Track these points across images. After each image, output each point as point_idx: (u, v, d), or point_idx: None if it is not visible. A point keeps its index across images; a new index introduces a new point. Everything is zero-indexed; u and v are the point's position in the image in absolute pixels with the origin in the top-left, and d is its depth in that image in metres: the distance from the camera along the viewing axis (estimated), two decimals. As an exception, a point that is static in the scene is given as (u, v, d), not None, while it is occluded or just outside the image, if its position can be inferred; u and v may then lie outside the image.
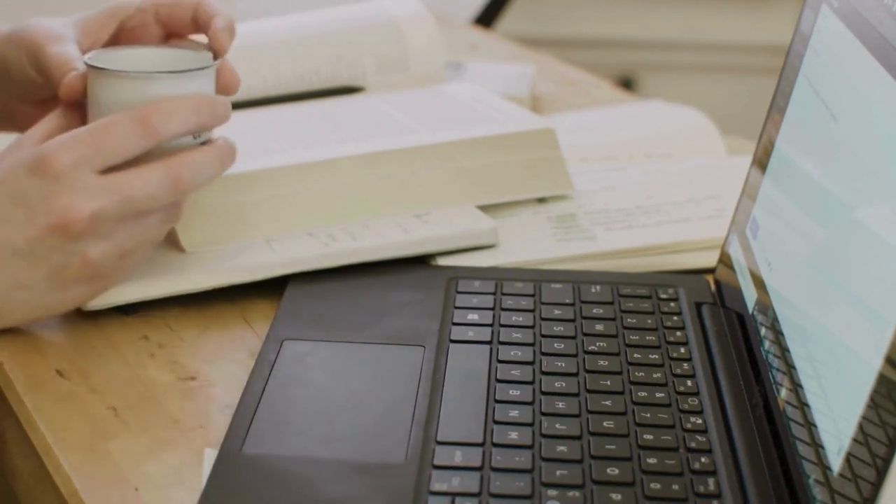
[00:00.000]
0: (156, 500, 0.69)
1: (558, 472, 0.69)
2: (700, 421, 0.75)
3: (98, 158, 0.80)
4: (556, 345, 0.82)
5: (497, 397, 0.76)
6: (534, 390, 0.77)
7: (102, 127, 0.80)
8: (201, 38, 0.98)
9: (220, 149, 0.84)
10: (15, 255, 0.80)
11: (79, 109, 0.85)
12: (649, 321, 0.85)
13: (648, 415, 0.75)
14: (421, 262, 0.95)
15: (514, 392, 0.77)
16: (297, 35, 1.18)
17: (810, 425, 0.67)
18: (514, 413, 0.74)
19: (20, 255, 0.80)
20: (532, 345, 0.82)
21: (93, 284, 0.83)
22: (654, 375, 0.79)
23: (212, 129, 0.85)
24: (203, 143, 0.84)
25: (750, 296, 0.83)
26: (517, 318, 0.85)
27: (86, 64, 0.84)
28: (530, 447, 0.71)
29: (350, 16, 1.21)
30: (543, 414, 0.74)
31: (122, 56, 0.87)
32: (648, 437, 0.73)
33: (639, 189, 1.04)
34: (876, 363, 0.60)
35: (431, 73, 1.20)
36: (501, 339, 0.83)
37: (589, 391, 0.77)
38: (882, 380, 0.59)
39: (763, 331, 0.79)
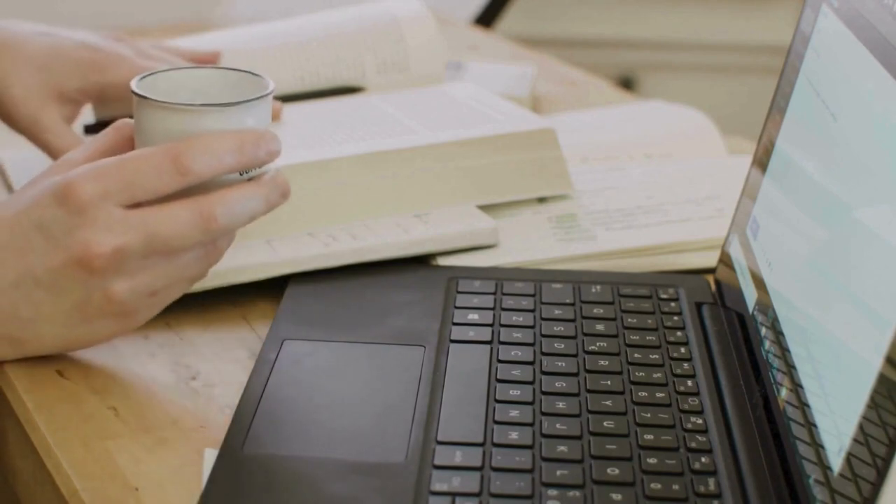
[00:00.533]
0: (156, 500, 0.69)
1: (558, 472, 0.69)
2: (700, 421, 0.75)
3: (125, 193, 0.76)
4: (556, 345, 0.82)
5: (497, 397, 0.76)
6: (534, 390, 0.77)
7: (133, 160, 0.76)
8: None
9: (265, 186, 0.79)
10: (37, 286, 0.77)
11: (130, 129, 0.81)
12: (649, 321, 0.85)
13: (649, 415, 0.75)
14: (421, 262, 0.95)
15: (515, 392, 0.77)
16: (297, 38, 1.18)
17: (810, 425, 0.67)
18: (514, 413, 0.74)
19: (42, 287, 0.77)
20: (532, 345, 0.82)
21: (120, 321, 0.79)
22: (655, 375, 0.79)
23: (259, 165, 0.79)
24: (251, 179, 0.79)
25: (750, 296, 0.83)
26: (517, 318, 0.85)
27: (132, 91, 0.79)
28: (530, 447, 0.71)
29: (350, 16, 1.21)
30: (544, 414, 0.74)
31: (171, 79, 0.82)
32: (649, 437, 0.73)
33: (639, 189, 1.04)
34: (876, 363, 0.60)
35: (431, 73, 1.20)
36: (502, 338, 0.83)
37: (589, 391, 0.77)
38: (882, 380, 0.59)
39: (763, 331, 0.79)
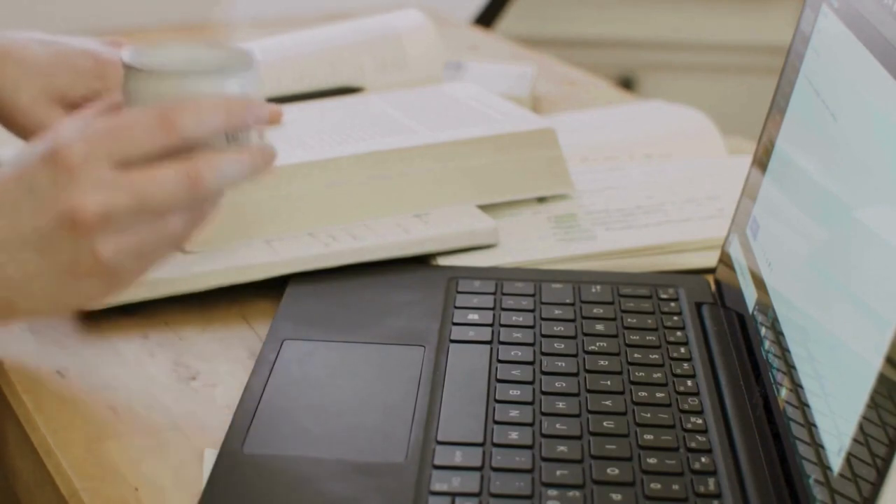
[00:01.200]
0: (156, 500, 0.69)
1: (558, 472, 0.69)
2: (700, 421, 0.75)
3: (113, 153, 0.76)
4: (556, 345, 0.82)
5: (497, 397, 0.76)
6: (534, 390, 0.77)
7: (122, 121, 0.77)
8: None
9: (251, 151, 0.80)
10: (25, 247, 0.77)
11: (118, 105, 0.82)
12: (649, 321, 0.85)
13: (648, 415, 0.75)
14: (421, 262, 0.95)
15: (515, 392, 0.77)
16: (297, 49, 1.18)
17: (810, 425, 0.67)
18: (514, 413, 0.74)
19: (30, 247, 0.77)
20: (532, 345, 0.82)
21: (106, 281, 0.79)
22: (655, 375, 0.79)
23: (246, 130, 0.80)
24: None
25: (750, 296, 0.83)
26: (517, 318, 0.85)
27: (122, 63, 0.80)
28: (530, 447, 0.71)
29: (350, 28, 1.21)
30: (543, 414, 0.74)
31: (160, 54, 0.83)
32: (648, 437, 0.73)
33: (639, 189, 1.04)
34: (876, 363, 0.60)
35: (429, 80, 1.20)
36: (501, 338, 0.83)
37: (589, 391, 0.77)
38: (882, 380, 0.59)
39: (763, 331, 0.79)
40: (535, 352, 0.81)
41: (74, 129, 0.78)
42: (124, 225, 0.78)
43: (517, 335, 0.83)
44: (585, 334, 0.84)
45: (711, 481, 0.69)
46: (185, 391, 0.80)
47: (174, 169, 0.77)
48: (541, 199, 1.02)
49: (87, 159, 0.77)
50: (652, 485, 0.69)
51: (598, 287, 0.90)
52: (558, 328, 0.84)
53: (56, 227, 0.77)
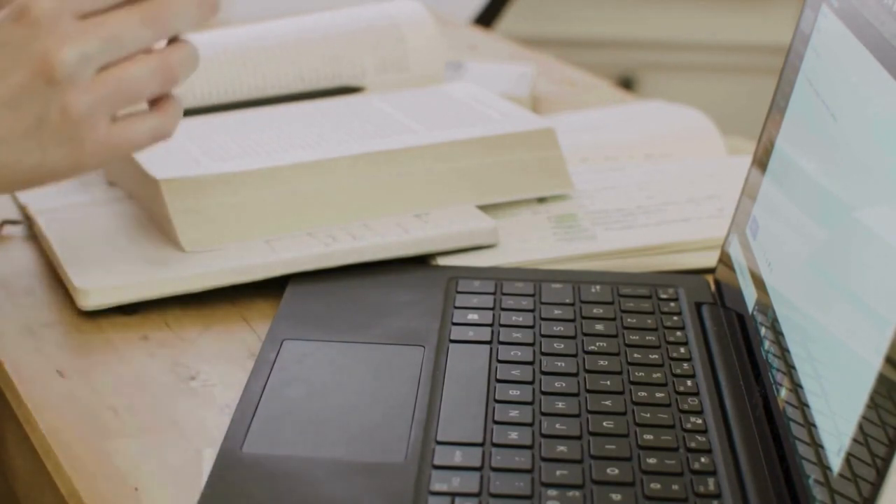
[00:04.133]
0: (156, 500, 0.69)
1: (558, 472, 0.69)
2: (700, 421, 0.75)
3: (78, 4, 0.79)
4: (556, 345, 0.82)
5: (497, 397, 0.76)
6: (534, 390, 0.77)
7: None
8: None
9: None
10: None
11: None
12: (649, 321, 0.85)
13: (648, 415, 0.75)
14: (421, 262, 0.95)
15: (514, 392, 0.77)
16: (295, 36, 1.18)
17: (810, 425, 0.67)
18: (514, 413, 0.74)
19: (2, 103, 0.79)
20: (532, 345, 0.82)
21: (73, 148, 0.80)
22: (654, 375, 0.79)
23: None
24: None
25: (750, 296, 0.83)
26: (517, 318, 0.85)
27: None
28: (530, 447, 0.71)
29: (349, 17, 1.21)
30: (543, 414, 0.74)
31: None
32: (648, 437, 0.73)
33: (639, 189, 1.04)
34: (876, 363, 0.60)
35: (431, 75, 1.20)
36: (501, 339, 0.83)
37: (589, 391, 0.77)
38: (882, 380, 0.59)
39: (763, 331, 0.79)
40: (534, 352, 0.81)
41: None
42: (95, 76, 0.79)
43: (517, 335, 0.83)
44: (585, 334, 0.84)
45: (711, 481, 0.69)
46: (184, 391, 0.80)
47: (136, 10, 0.80)
48: (541, 199, 1.02)
49: (53, 11, 0.79)
50: (652, 485, 0.69)
51: (598, 287, 0.90)
52: (558, 328, 0.84)
53: (29, 79, 0.79)
